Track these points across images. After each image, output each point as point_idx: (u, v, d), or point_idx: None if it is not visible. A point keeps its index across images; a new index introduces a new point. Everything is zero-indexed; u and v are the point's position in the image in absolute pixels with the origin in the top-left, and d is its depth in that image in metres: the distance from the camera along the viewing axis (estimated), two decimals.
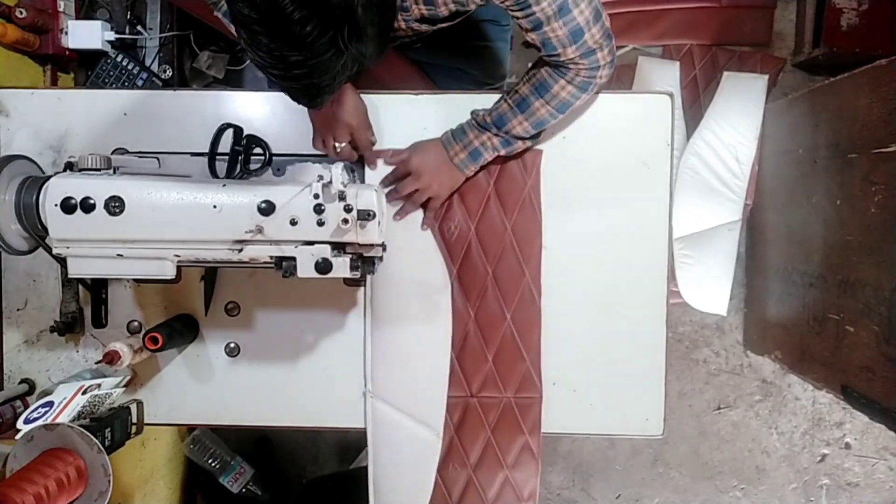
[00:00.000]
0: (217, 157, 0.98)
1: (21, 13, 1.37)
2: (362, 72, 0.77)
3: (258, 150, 1.02)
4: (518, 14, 0.88)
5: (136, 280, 1.12)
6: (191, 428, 1.86)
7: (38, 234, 0.89)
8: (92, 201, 0.84)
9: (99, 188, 0.84)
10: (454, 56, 1.27)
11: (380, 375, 1.11)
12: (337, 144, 1.02)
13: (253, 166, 1.05)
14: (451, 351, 1.10)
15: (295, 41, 0.66)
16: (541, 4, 0.85)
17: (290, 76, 0.70)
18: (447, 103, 1.10)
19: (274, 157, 1.09)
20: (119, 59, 1.56)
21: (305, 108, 1.05)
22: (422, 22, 0.99)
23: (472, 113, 1.05)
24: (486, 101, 1.07)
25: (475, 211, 1.10)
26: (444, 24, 1.02)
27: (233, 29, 0.78)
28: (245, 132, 1.03)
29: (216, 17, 1.03)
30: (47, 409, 0.91)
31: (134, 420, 1.04)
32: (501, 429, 1.12)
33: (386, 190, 1.08)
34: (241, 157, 1.04)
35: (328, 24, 0.66)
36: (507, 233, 1.10)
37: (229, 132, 0.99)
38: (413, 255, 1.10)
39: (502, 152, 1.04)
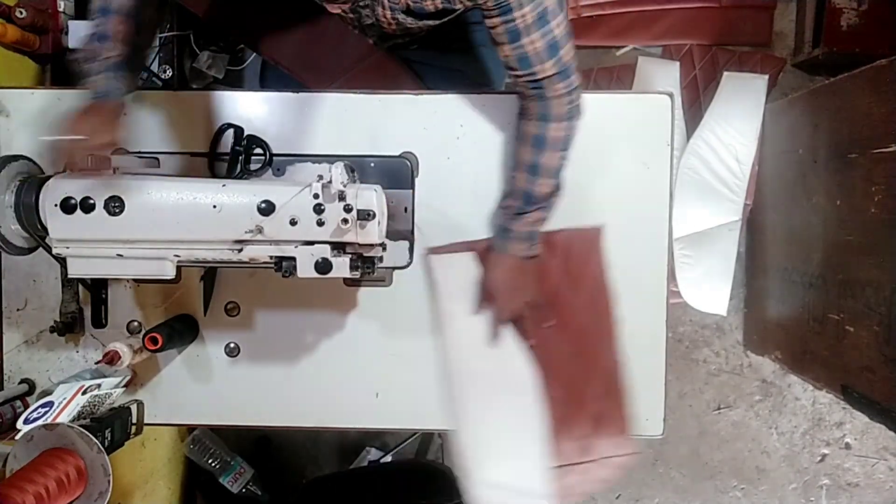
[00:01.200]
0: (216, 157, 0.98)
1: (21, 13, 1.37)
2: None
3: (258, 151, 1.02)
4: (497, 21, 0.87)
5: (136, 280, 1.12)
6: (191, 428, 1.86)
7: (38, 234, 0.89)
8: (92, 201, 0.84)
9: (99, 188, 0.84)
10: (447, 56, 1.27)
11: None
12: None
13: (253, 167, 1.06)
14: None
15: None
16: (523, 9, 0.85)
17: None
18: (447, 103, 1.10)
19: (274, 158, 1.10)
20: None
21: (305, 111, 1.05)
22: (407, 14, 0.98)
23: (502, 210, 1.04)
24: (484, 101, 1.08)
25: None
26: (432, 22, 1.01)
27: None
28: (245, 132, 1.03)
29: (217, 17, 1.03)
30: (47, 409, 0.91)
31: (134, 420, 1.04)
32: None
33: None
34: (241, 157, 1.05)
35: None
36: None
37: (230, 133, 1.00)
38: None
39: (547, 217, 1.03)
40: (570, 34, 0.90)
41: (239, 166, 1.06)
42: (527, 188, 1.00)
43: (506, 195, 1.05)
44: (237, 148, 1.06)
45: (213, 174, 1.08)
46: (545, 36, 0.87)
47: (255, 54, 1.75)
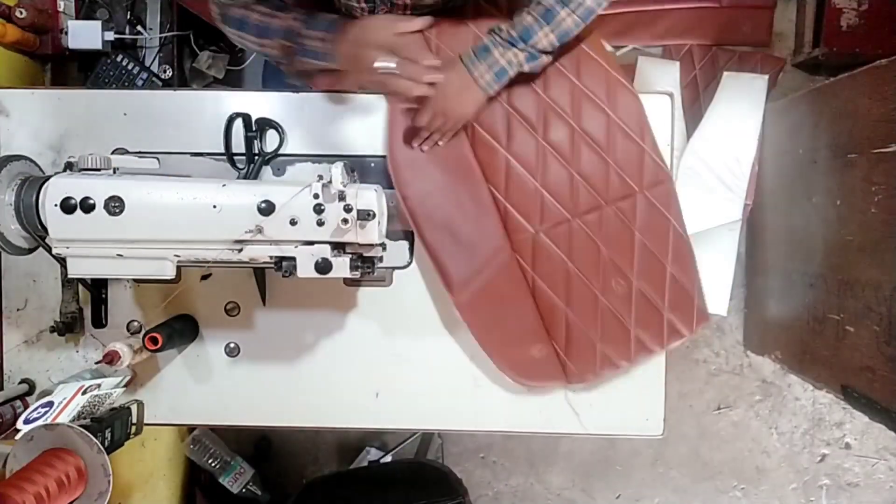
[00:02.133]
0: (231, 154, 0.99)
1: (21, 13, 1.37)
2: None
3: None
4: None
5: (136, 280, 1.12)
6: (191, 428, 1.86)
7: (38, 234, 0.89)
8: (92, 201, 0.84)
9: (99, 188, 0.84)
10: None
11: None
12: (380, 65, 0.87)
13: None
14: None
15: None
16: None
17: None
18: None
19: (273, 157, 1.10)
20: (119, 59, 1.56)
21: (305, 111, 1.05)
22: None
23: (494, 30, 1.00)
24: None
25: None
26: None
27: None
28: (254, 118, 1.04)
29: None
30: (47, 409, 0.91)
31: (134, 420, 1.04)
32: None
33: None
34: (256, 140, 1.06)
35: None
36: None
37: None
38: None
39: (526, 68, 1.00)
40: None
41: (258, 150, 1.08)
42: (531, 27, 0.97)
43: (507, 25, 0.99)
44: (250, 134, 1.08)
45: (234, 165, 1.09)
46: None
47: (255, 54, 1.76)
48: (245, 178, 1.09)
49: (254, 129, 1.09)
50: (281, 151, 1.10)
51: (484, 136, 1.06)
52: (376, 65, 0.87)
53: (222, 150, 1.09)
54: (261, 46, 0.98)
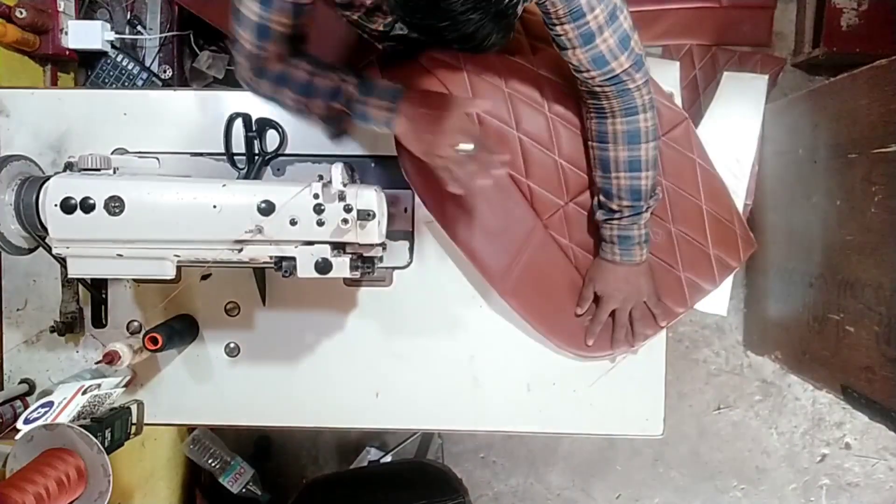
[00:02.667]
0: (231, 155, 0.98)
1: (21, 13, 1.37)
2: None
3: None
4: (568, 28, 0.84)
5: (136, 280, 1.12)
6: (191, 428, 1.86)
7: (38, 234, 0.89)
8: (92, 201, 0.84)
9: (99, 188, 0.84)
10: None
11: None
12: (463, 148, 0.87)
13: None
14: None
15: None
16: (594, 12, 0.82)
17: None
18: None
19: (273, 157, 1.10)
20: (119, 59, 1.56)
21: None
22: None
23: (607, 219, 1.00)
24: None
25: None
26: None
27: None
28: (254, 117, 1.04)
29: (218, 16, 1.03)
30: (47, 409, 0.91)
31: (134, 420, 1.04)
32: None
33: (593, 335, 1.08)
34: (256, 140, 1.06)
35: None
36: None
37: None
38: None
39: (648, 216, 1.00)
40: (634, 24, 0.88)
41: (258, 150, 1.08)
42: (633, 185, 0.96)
43: (605, 203, 1.00)
44: (250, 134, 1.08)
45: (234, 165, 1.09)
46: (616, 31, 0.85)
47: None
48: (245, 178, 1.09)
49: (254, 129, 1.09)
50: (281, 152, 1.10)
51: (492, 122, 1.06)
52: (459, 147, 0.85)
53: (222, 150, 1.09)
54: (299, 104, 0.92)
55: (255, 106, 1.10)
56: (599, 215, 1.02)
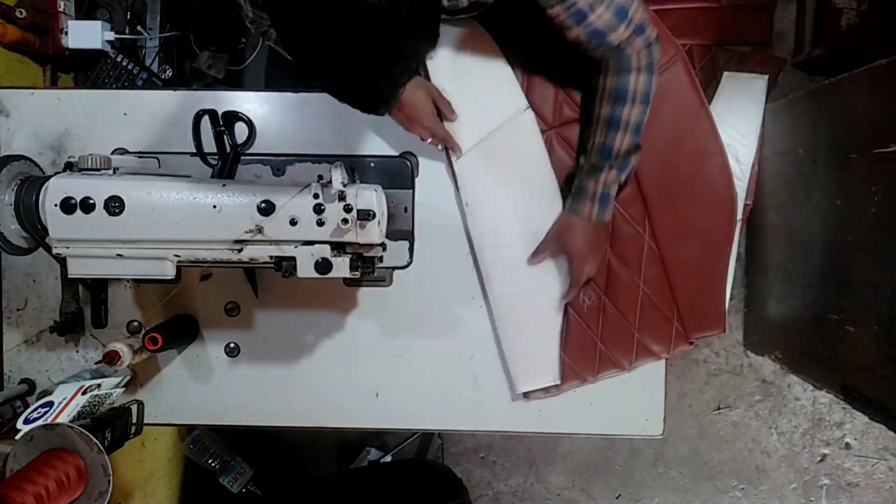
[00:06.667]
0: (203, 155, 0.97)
1: (21, 13, 1.37)
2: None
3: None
4: (558, 10, 0.85)
5: (136, 280, 1.12)
6: (191, 428, 1.86)
7: (38, 234, 0.89)
8: (92, 201, 0.84)
9: (99, 188, 0.84)
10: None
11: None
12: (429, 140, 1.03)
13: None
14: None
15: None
16: None
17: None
18: None
19: (273, 157, 1.10)
20: (119, 59, 1.56)
21: (305, 111, 1.05)
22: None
23: (577, 168, 1.01)
24: None
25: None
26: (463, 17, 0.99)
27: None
28: (220, 112, 1.03)
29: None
30: (47, 409, 0.91)
31: (134, 420, 1.04)
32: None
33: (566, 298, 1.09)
34: (225, 135, 1.04)
35: None
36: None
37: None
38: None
39: (623, 178, 1.00)
40: None
41: (228, 145, 1.05)
42: (606, 143, 0.96)
43: (580, 153, 1.01)
44: (219, 129, 1.05)
45: (207, 163, 1.07)
46: (610, 6, 0.85)
47: (255, 54, 1.76)
48: (219, 175, 1.05)
49: (220, 123, 1.05)
50: (283, 151, 1.10)
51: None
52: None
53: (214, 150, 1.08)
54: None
55: (256, 106, 1.10)
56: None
